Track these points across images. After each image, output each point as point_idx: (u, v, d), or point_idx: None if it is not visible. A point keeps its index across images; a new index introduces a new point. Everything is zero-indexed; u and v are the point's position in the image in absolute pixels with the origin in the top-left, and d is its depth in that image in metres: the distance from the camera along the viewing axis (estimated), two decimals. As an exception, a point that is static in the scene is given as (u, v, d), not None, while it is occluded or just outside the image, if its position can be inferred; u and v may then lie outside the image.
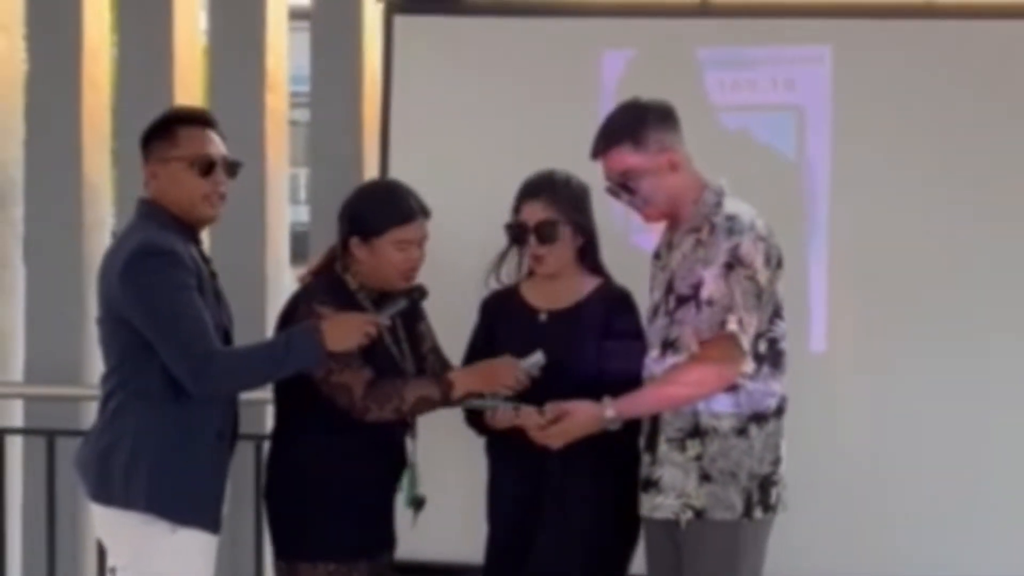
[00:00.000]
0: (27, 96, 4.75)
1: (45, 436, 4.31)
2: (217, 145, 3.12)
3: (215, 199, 3.10)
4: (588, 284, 3.31)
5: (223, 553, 4.29)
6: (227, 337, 3.13)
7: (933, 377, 3.89)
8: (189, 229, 3.10)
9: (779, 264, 3.06)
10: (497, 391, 3.12)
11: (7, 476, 4.47)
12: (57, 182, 4.62)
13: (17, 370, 4.76)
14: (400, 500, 3.32)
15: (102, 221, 4.70)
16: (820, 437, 3.77)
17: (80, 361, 4.50)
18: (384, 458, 3.27)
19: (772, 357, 3.05)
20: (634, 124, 3.08)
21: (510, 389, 3.11)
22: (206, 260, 3.14)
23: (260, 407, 3.90)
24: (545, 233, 3.24)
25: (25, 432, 4.60)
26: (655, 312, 3.15)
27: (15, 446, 4.59)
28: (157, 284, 2.95)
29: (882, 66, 3.95)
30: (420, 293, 3.27)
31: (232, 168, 3.14)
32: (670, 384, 3.04)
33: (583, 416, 3.03)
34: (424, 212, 3.24)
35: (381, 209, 3.22)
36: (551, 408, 3.04)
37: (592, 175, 3.21)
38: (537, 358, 3.14)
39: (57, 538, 4.36)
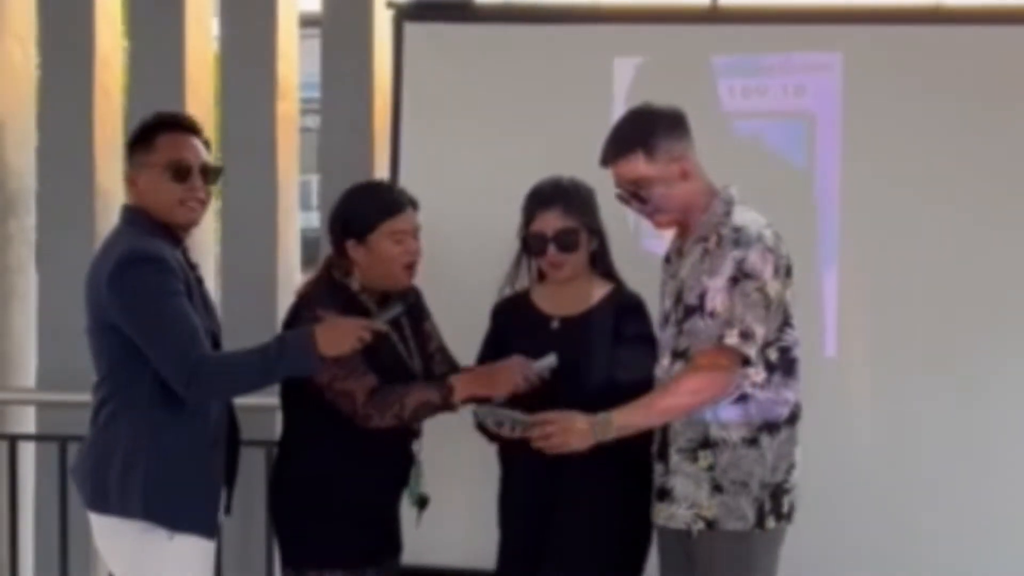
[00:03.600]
0: (39, 104, 4.78)
1: (57, 442, 4.32)
2: (195, 151, 3.11)
3: (192, 204, 3.09)
4: (600, 290, 3.31)
5: (235, 559, 4.33)
6: (216, 343, 3.13)
7: (944, 381, 3.88)
8: (174, 234, 3.10)
9: (788, 274, 3.03)
10: (499, 393, 3.10)
11: (20, 482, 4.49)
12: (69, 190, 4.64)
13: (30, 376, 4.78)
14: (405, 502, 3.32)
15: (114, 228, 4.72)
16: (832, 442, 3.76)
17: (92, 368, 4.51)
18: (390, 464, 3.27)
19: (784, 365, 3.03)
20: (644, 133, 3.06)
21: (509, 393, 3.10)
22: (192, 266, 3.14)
23: (270, 413, 3.91)
24: (565, 241, 3.23)
25: (38, 438, 4.62)
26: (666, 320, 3.14)
27: (28, 452, 4.61)
28: (146, 290, 2.95)
29: (893, 73, 3.94)
30: (414, 294, 3.28)
31: (212, 174, 3.14)
32: (667, 395, 3.01)
33: (569, 424, 2.99)
34: (411, 202, 3.25)
35: (369, 205, 3.22)
36: (536, 419, 3.02)
37: (602, 180, 3.20)
38: (550, 360, 3.14)
39: (69, 543, 4.37)
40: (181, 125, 3.15)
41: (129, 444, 2.99)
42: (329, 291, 3.22)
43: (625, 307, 3.29)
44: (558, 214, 3.23)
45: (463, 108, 4.12)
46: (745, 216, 3.03)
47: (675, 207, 3.08)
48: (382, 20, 4.44)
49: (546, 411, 3.05)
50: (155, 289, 2.95)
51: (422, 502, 3.31)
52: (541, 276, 3.34)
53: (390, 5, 4.27)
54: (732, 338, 2.92)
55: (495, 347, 3.34)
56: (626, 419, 3.01)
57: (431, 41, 4.17)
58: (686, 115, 3.11)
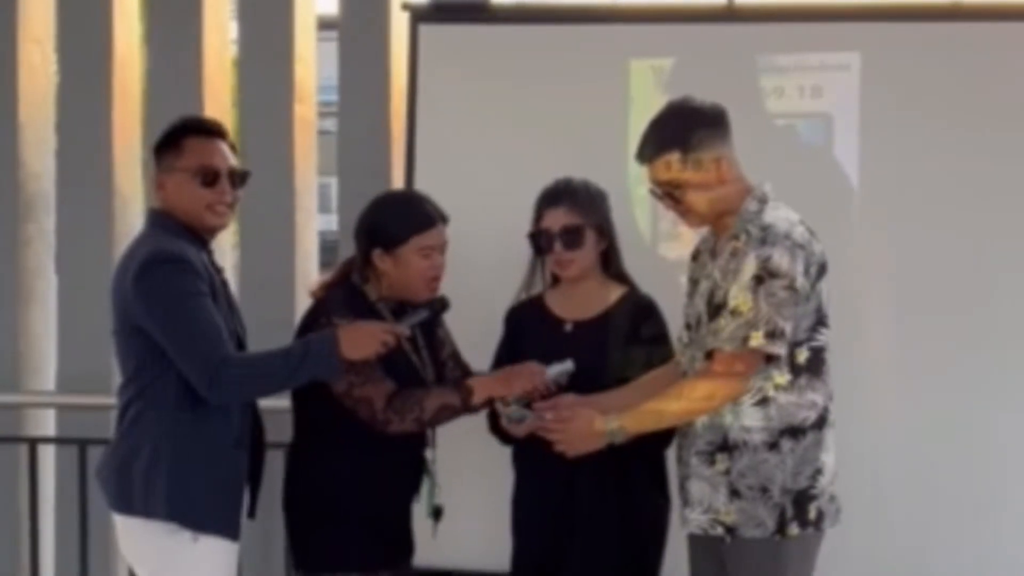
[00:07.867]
0: (58, 107, 4.80)
1: (77, 445, 4.34)
2: (223, 156, 3.14)
3: (220, 208, 3.12)
4: (613, 292, 3.31)
5: (255, 562, 4.33)
6: (240, 344, 3.14)
7: (963, 379, 3.85)
8: (199, 237, 3.12)
9: (822, 272, 2.96)
10: (517, 393, 3.09)
11: (40, 484, 4.51)
12: (88, 193, 4.66)
13: (50, 380, 4.80)
14: (419, 509, 3.31)
15: (133, 231, 4.70)
16: (856, 442, 3.71)
17: (112, 370, 4.49)
18: (402, 467, 3.26)
19: (813, 367, 2.95)
20: (684, 134, 2.96)
21: (529, 395, 3.09)
22: (218, 268, 3.16)
23: (290, 415, 3.91)
24: (570, 238, 3.24)
25: (57, 441, 4.64)
26: (698, 322, 3.04)
27: (48, 455, 4.63)
28: (170, 292, 2.97)
29: (911, 72, 3.91)
30: (442, 304, 3.26)
31: (239, 178, 3.16)
32: (680, 399, 2.96)
33: (582, 426, 2.99)
34: (443, 218, 3.24)
35: (402, 217, 3.21)
36: (565, 404, 3.02)
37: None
38: (567, 366, 3.13)
39: (89, 546, 4.38)
40: (208, 129, 3.17)
41: (154, 445, 3.01)
42: (346, 297, 3.22)
43: (639, 309, 3.28)
44: (564, 211, 3.24)
45: (479, 109, 4.11)
46: (776, 214, 2.96)
47: (708, 210, 3.00)
48: (399, 22, 4.43)
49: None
50: (178, 290, 2.97)
51: (437, 513, 3.31)
52: (555, 281, 3.34)
53: (405, 7, 4.26)
54: (757, 339, 2.86)
55: (509, 352, 3.33)
56: (638, 426, 2.99)
57: (447, 43, 4.16)
58: (727, 112, 3.02)
